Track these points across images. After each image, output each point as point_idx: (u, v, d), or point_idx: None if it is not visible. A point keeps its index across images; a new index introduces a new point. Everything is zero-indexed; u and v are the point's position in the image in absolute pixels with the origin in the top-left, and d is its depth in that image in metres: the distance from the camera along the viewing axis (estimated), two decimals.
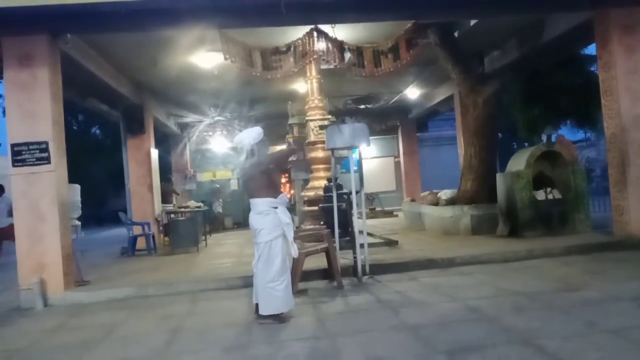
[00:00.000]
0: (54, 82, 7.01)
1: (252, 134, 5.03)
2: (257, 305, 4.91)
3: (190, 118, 17.42)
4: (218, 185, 18.79)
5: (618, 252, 7.21)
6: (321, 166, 10.91)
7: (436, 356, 3.41)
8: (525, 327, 3.89)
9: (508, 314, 4.36)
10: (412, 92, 15.80)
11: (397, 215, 16.64)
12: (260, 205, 4.89)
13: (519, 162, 9.26)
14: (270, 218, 4.85)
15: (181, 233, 11.20)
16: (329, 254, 6.68)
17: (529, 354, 3.27)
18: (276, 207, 4.89)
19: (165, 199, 13.60)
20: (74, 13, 6.67)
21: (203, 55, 10.32)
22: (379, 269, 7.02)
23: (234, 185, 19.49)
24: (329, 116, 11.18)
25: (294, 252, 5.06)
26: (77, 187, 7.72)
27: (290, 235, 4.95)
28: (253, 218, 4.94)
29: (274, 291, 4.74)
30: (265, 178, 4.93)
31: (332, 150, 7.29)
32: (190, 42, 9.43)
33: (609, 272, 5.92)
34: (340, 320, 4.71)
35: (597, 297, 4.73)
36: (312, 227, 9.72)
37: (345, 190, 8.76)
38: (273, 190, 4.95)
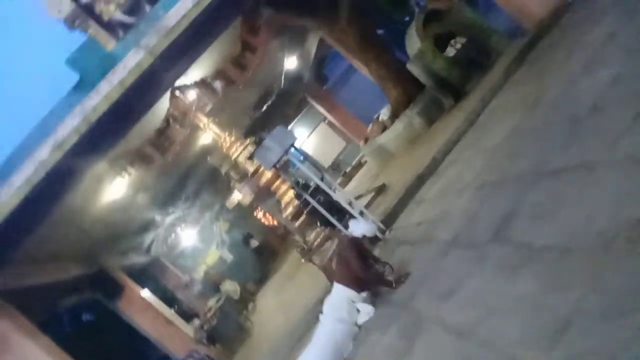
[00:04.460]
0: (21, 327, 6.79)
1: (365, 226, 5.23)
2: None
3: (148, 238, 17.04)
4: (195, 278, 17.93)
5: (545, 39, 7.29)
6: (278, 182, 10.81)
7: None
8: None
9: (517, 156, 4.39)
10: (291, 62, 15.76)
11: (366, 161, 16.71)
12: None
13: (413, 42, 9.38)
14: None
15: (225, 332, 11.08)
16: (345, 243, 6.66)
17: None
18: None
19: (187, 318, 13.34)
20: None
21: (110, 189, 10.05)
22: (390, 218, 7.04)
23: (226, 256, 19.17)
24: (247, 140, 11.06)
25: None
26: None
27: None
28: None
29: None
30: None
31: (274, 167, 7.23)
32: (91, 189, 9.16)
33: (554, 57, 6.01)
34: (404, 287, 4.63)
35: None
36: (314, 235, 9.67)
37: (311, 184, 8.71)
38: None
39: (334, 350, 4.43)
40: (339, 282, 4.85)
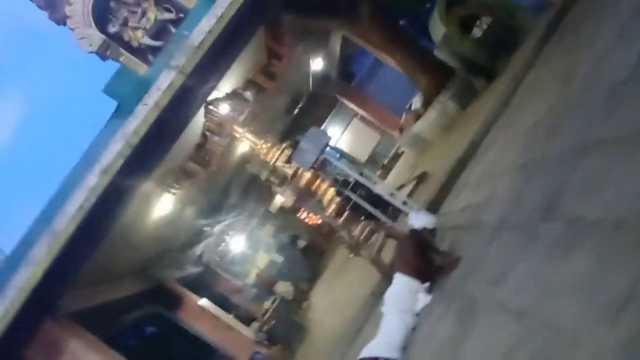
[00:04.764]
0: (90, 344, 7.14)
1: (425, 218, 5.15)
2: None
3: (198, 248, 17.48)
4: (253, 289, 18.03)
5: (572, 11, 7.09)
6: (318, 182, 10.91)
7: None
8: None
9: (557, 133, 4.30)
10: (317, 64, 15.86)
11: (403, 152, 16.63)
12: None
13: (438, 28, 9.28)
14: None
15: (283, 332, 11.31)
16: (392, 234, 6.66)
17: None
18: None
19: (246, 321, 13.65)
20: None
21: (158, 206, 10.40)
22: (434, 205, 7.00)
23: (276, 258, 19.45)
24: (283, 144, 11.21)
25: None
26: None
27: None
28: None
29: None
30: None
31: (312, 167, 7.34)
32: (140, 208, 9.51)
33: (583, 28, 5.82)
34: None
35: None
36: (359, 230, 9.73)
37: (350, 180, 8.77)
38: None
39: (399, 341, 4.46)
40: (401, 272, 4.78)
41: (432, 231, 5.12)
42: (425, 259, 4.83)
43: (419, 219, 5.11)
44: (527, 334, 2.76)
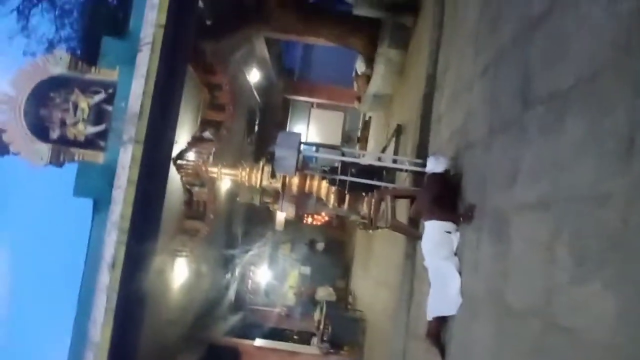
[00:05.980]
0: None
1: (444, 160, 5.05)
2: None
3: (230, 295, 17.35)
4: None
5: None
6: (308, 181, 10.93)
7: None
8: None
9: (501, 23, 4.35)
10: (254, 75, 15.83)
11: (370, 117, 16.69)
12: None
13: None
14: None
15: (343, 333, 11.31)
16: (398, 194, 6.69)
17: None
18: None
19: (306, 340, 13.62)
20: None
21: (175, 276, 10.35)
22: (421, 149, 7.05)
23: (304, 270, 19.45)
24: (260, 163, 11.21)
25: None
26: None
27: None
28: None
29: None
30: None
31: (297, 170, 7.35)
32: (160, 284, 9.45)
33: None
34: None
35: None
36: (366, 205, 9.76)
37: (336, 164, 8.79)
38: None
39: (458, 287, 4.39)
40: (433, 219, 4.67)
41: (449, 171, 5.06)
42: (452, 199, 4.78)
43: (439, 163, 5.02)
44: (559, 217, 2.79)
